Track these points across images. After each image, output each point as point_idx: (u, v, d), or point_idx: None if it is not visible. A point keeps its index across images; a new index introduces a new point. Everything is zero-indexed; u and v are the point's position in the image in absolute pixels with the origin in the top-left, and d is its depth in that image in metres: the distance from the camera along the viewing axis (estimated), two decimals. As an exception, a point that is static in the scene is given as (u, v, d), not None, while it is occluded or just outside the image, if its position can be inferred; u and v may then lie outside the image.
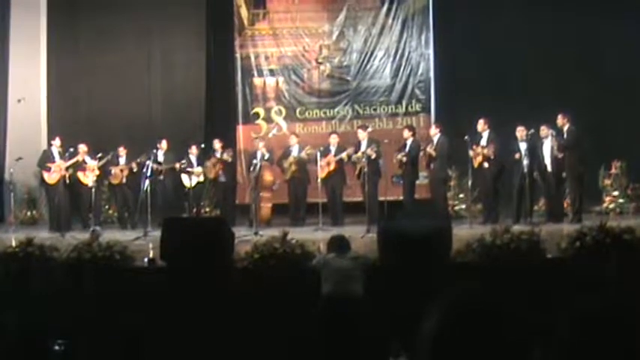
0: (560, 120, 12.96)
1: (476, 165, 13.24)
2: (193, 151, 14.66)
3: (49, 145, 14.72)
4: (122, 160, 14.63)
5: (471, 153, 13.21)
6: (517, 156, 13.09)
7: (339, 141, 14.26)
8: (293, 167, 14.22)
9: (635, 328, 1.81)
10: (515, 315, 1.80)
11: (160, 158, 14.45)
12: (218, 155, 14.54)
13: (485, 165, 13.21)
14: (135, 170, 14.20)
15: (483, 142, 13.32)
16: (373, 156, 13.41)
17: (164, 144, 14.60)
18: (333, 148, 14.07)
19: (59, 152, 14.29)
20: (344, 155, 13.83)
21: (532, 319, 1.88)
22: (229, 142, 15.16)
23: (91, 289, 8.82)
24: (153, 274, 9.24)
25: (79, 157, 14.30)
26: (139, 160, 14.14)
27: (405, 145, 13.82)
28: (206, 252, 8.85)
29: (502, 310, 1.80)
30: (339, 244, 8.33)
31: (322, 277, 7.98)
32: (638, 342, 1.79)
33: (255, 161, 14.02)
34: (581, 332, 1.82)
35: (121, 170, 14.49)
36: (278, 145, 15.34)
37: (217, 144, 14.69)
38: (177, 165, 14.43)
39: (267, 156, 14.28)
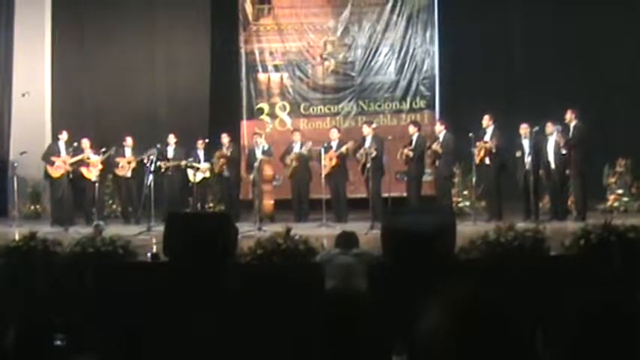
0: (568, 116, 12.90)
1: (477, 161, 13.23)
2: (200, 146, 14.69)
3: (56, 139, 14.73)
4: (128, 151, 14.64)
5: (474, 150, 13.21)
6: (518, 154, 13.07)
7: (340, 136, 14.29)
8: (295, 164, 14.23)
9: (637, 325, 1.79)
10: (516, 314, 1.78)
11: (170, 153, 14.51)
12: (224, 150, 14.57)
13: (487, 161, 13.19)
14: (145, 161, 14.06)
15: (487, 137, 13.32)
16: (373, 154, 13.39)
17: (172, 139, 14.62)
18: (334, 144, 14.08)
19: (65, 146, 14.33)
20: (344, 149, 13.85)
21: (535, 316, 1.87)
22: (233, 138, 15.17)
23: (94, 283, 8.81)
24: (156, 269, 9.22)
25: (85, 155, 14.31)
26: (145, 157, 14.05)
27: (411, 142, 13.81)
28: (209, 247, 8.83)
29: (501, 309, 1.78)
30: (345, 240, 8.31)
31: (326, 273, 7.97)
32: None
33: (256, 156, 14.03)
34: (585, 329, 1.81)
35: (129, 162, 14.51)
36: (282, 140, 15.35)
37: (225, 138, 14.70)
38: (183, 163, 14.45)
39: (266, 147, 14.30)
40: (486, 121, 13.41)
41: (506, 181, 13.37)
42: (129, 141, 14.62)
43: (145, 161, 13.94)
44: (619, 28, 14.57)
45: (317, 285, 7.89)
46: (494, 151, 13.12)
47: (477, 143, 13.21)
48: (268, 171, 14.42)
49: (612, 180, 14.33)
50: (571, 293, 1.98)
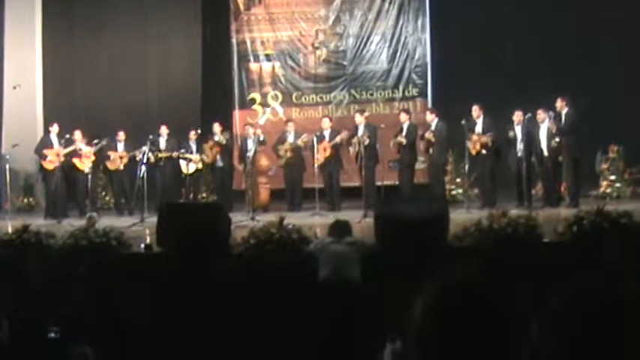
0: (559, 103, 12.90)
1: (474, 153, 13.24)
2: (192, 137, 14.65)
3: (48, 131, 14.68)
4: (120, 146, 14.59)
5: (468, 143, 13.20)
6: (511, 134, 13.05)
7: (333, 125, 14.27)
8: (289, 154, 14.22)
9: (630, 311, 1.80)
10: (509, 300, 1.78)
11: (162, 145, 14.47)
12: (216, 138, 14.52)
13: (484, 152, 13.19)
14: (138, 159, 14.04)
15: (478, 128, 13.32)
16: (366, 142, 13.37)
17: (164, 130, 14.58)
18: (326, 133, 14.06)
19: (57, 139, 14.28)
20: (338, 139, 13.84)
21: (529, 302, 1.87)
22: (226, 128, 15.13)
23: (88, 275, 8.80)
24: (149, 260, 9.22)
25: (76, 146, 14.25)
26: (137, 153, 14.01)
27: (402, 130, 13.81)
28: (202, 238, 8.83)
29: (494, 295, 1.78)
30: (338, 229, 8.32)
31: (319, 262, 7.97)
32: (633, 324, 1.78)
33: (250, 147, 14.01)
34: (578, 316, 1.81)
35: (121, 157, 14.47)
36: (274, 130, 15.32)
37: (217, 127, 14.66)
38: (175, 154, 14.43)
39: (261, 138, 14.27)
40: (476, 111, 13.40)
41: (499, 168, 13.39)
42: (121, 135, 14.56)
43: (137, 158, 13.92)
44: (611, 14, 14.54)
45: (310, 274, 7.91)
46: (490, 145, 13.13)
47: (473, 137, 13.20)
48: (264, 161, 14.40)
49: (605, 166, 14.34)
50: (564, 280, 1.97)
